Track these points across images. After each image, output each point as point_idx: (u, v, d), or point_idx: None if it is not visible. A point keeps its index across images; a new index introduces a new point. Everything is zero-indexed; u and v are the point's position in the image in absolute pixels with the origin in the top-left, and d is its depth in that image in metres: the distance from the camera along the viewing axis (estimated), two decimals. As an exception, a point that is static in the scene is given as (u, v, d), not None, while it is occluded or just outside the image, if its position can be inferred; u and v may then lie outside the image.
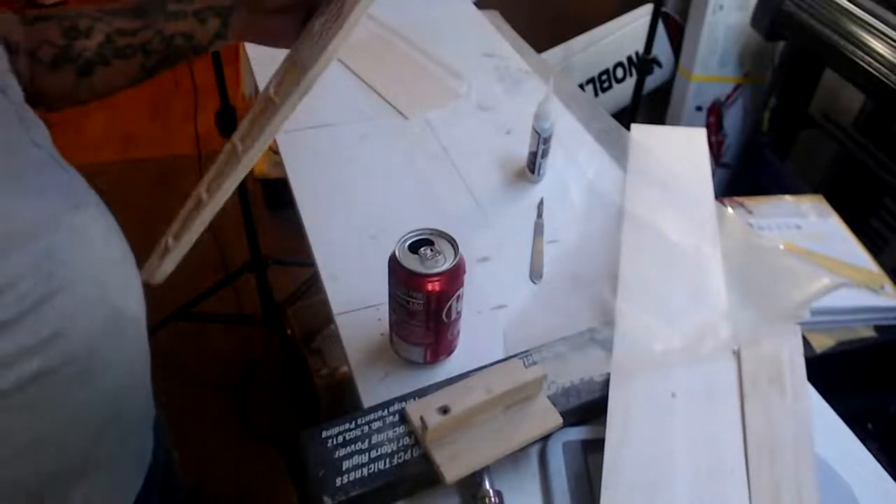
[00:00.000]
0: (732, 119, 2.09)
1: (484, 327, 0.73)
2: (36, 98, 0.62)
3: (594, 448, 0.60)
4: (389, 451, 0.57)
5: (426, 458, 0.57)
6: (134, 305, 0.63)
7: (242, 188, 1.70)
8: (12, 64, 0.60)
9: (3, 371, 0.49)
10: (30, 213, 0.53)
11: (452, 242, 0.64)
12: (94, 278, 0.57)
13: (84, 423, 0.57)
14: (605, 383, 0.63)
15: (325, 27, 0.64)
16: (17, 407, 0.51)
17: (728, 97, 2.06)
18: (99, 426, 0.58)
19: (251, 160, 0.60)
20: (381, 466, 0.56)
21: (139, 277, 0.65)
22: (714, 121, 2.09)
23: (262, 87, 1.09)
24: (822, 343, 0.94)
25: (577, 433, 0.62)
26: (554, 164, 0.94)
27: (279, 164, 0.99)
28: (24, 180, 0.54)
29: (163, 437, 0.77)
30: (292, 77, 0.62)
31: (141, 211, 2.33)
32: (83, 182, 0.62)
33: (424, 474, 0.56)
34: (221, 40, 0.73)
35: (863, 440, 0.65)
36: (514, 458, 0.60)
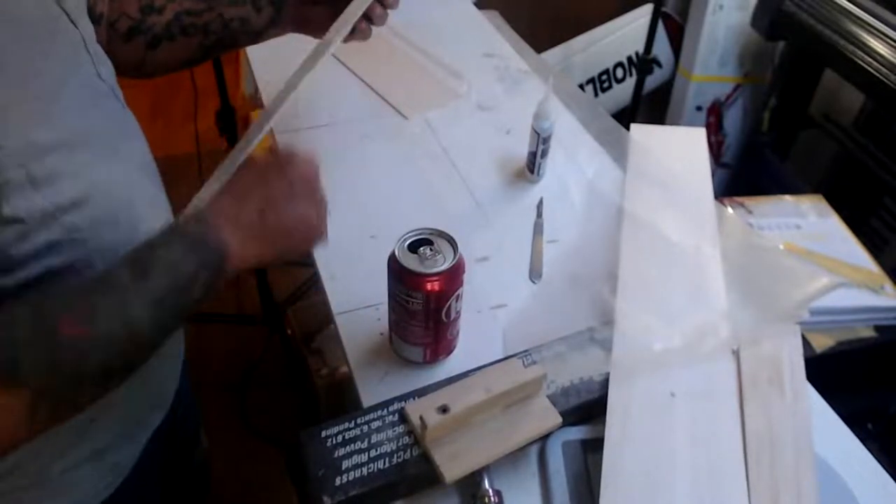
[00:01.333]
0: (732, 119, 2.09)
1: (483, 327, 0.73)
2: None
3: (594, 448, 0.60)
4: (389, 450, 0.57)
5: (426, 458, 0.57)
6: (160, 222, 0.63)
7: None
8: (95, 34, 0.63)
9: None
10: (82, 126, 0.54)
11: (452, 242, 0.64)
12: (124, 196, 0.58)
13: None
14: (605, 383, 0.63)
15: None
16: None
17: (728, 97, 2.06)
18: None
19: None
20: (381, 466, 0.56)
21: (167, 205, 0.67)
22: (714, 121, 2.09)
23: (262, 87, 1.09)
24: (822, 343, 0.94)
25: (576, 433, 0.62)
26: (554, 164, 0.94)
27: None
28: (80, 100, 0.55)
29: (189, 408, 0.82)
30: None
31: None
32: (135, 120, 0.65)
33: (424, 474, 0.56)
34: (274, 28, 0.80)
35: (863, 440, 0.65)
36: (514, 457, 0.60)
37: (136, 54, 0.75)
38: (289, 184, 0.58)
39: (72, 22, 0.57)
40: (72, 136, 0.53)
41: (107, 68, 0.62)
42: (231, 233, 0.53)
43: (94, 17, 0.68)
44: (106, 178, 0.56)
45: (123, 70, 0.69)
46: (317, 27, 0.78)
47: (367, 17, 0.76)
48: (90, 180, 0.53)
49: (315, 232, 0.60)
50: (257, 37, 0.81)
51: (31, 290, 0.50)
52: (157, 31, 0.75)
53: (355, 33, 0.77)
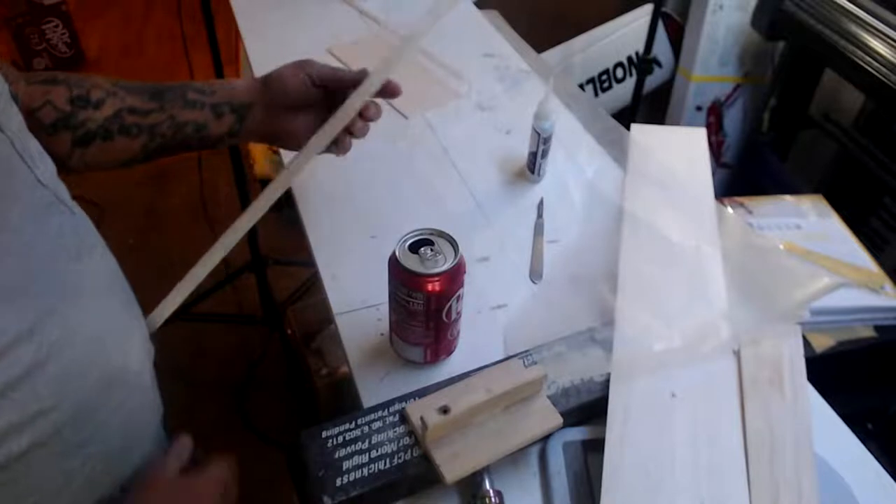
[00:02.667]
0: (732, 119, 2.09)
1: (484, 327, 0.73)
2: None
3: (594, 448, 0.60)
4: (389, 451, 0.57)
5: (426, 458, 0.57)
6: (136, 357, 0.58)
7: (242, 188, 1.70)
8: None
9: None
10: (24, 271, 0.47)
11: (452, 242, 0.64)
12: (91, 337, 0.53)
13: (75, 490, 0.52)
14: (605, 383, 0.63)
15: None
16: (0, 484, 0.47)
17: (728, 97, 2.06)
18: (92, 487, 0.54)
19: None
20: (382, 466, 0.56)
21: (142, 321, 0.62)
22: (714, 121, 2.09)
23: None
24: (822, 343, 0.94)
25: (577, 433, 0.62)
26: (554, 164, 0.94)
27: (279, 164, 0.99)
28: (21, 234, 0.48)
29: None
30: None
31: (141, 212, 2.34)
32: (88, 222, 0.57)
33: (424, 474, 0.56)
34: (233, 138, 0.72)
35: (863, 440, 0.65)
36: (514, 458, 0.60)
37: (61, 150, 0.63)
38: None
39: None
40: (14, 284, 0.46)
41: (45, 165, 0.53)
42: None
43: (11, 95, 0.58)
44: (63, 323, 0.49)
45: None
46: (290, 137, 0.72)
47: (349, 131, 0.72)
48: (45, 336, 0.47)
49: None
50: (213, 145, 0.72)
51: None
52: (91, 127, 0.64)
53: (336, 146, 0.72)
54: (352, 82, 0.69)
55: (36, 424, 0.47)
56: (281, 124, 0.72)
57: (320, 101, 0.72)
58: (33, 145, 0.52)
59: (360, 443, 0.58)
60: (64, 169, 0.61)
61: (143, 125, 0.67)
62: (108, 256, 0.59)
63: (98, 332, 0.53)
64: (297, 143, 0.72)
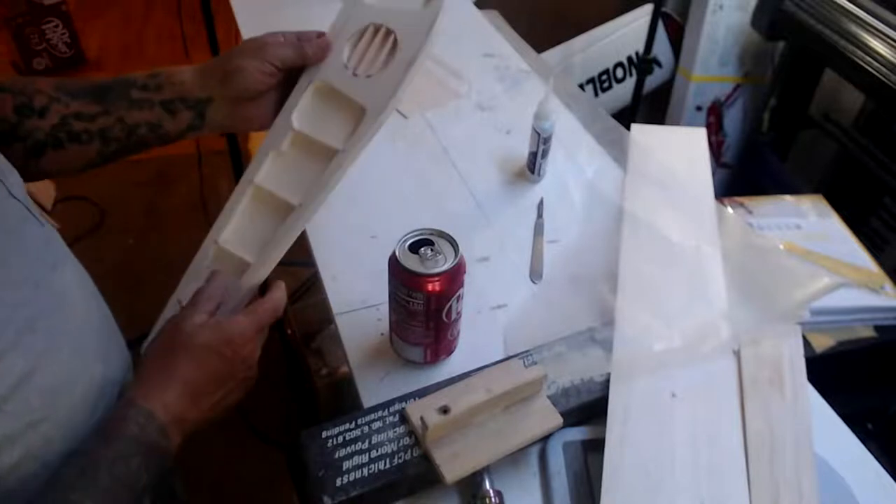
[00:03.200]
0: (732, 119, 2.09)
1: (484, 327, 0.73)
2: None
3: (594, 448, 0.60)
4: (390, 451, 0.57)
5: (426, 459, 0.57)
6: (115, 366, 0.59)
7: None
8: None
9: None
10: (4, 283, 0.48)
11: (452, 242, 0.64)
12: (74, 348, 0.53)
13: None
14: (605, 383, 0.63)
15: (369, 69, 0.67)
16: None
17: (728, 97, 2.06)
18: None
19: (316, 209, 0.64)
20: (382, 466, 0.56)
21: (118, 332, 0.62)
22: (714, 121, 2.09)
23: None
24: (822, 343, 0.94)
25: (577, 433, 0.62)
26: (554, 164, 0.94)
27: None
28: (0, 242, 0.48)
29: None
30: (364, 124, 0.65)
31: (141, 212, 2.34)
32: (56, 234, 0.57)
33: (424, 474, 0.56)
34: (195, 132, 0.68)
35: (863, 440, 0.65)
36: (514, 458, 0.60)
37: (16, 160, 0.59)
38: (242, 363, 0.57)
39: None
40: None
41: (14, 177, 0.53)
42: (180, 431, 0.52)
43: None
44: (48, 334, 0.50)
45: None
46: (252, 122, 0.69)
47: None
48: (32, 347, 0.48)
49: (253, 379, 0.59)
50: (174, 141, 0.69)
51: None
52: (39, 137, 0.61)
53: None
54: (314, 56, 0.67)
55: (27, 436, 0.48)
56: (245, 114, 0.68)
57: (282, 80, 0.69)
58: (1, 158, 0.52)
59: (360, 443, 0.58)
60: (26, 177, 0.59)
61: (93, 130, 0.63)
62: (78, 268, 0.59)
63: (80, 343, 0.54)
64: (259, 125, 0.70)
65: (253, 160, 0.68)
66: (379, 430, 0.59)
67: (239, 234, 0.66)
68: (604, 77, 2.12)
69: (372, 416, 0.60)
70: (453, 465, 0.56)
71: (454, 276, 0.63)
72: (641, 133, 0.98)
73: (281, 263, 0.66)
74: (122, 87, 0.64)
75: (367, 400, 0.65)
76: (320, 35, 0.69)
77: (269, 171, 0.67)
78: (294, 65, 0.67)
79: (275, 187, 0.66)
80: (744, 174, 2.06)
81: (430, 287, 0.62)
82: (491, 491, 0.57)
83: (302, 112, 0.67)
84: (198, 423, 0.54)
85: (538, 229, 0.86)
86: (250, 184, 0.67)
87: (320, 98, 0.68)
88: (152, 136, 0.66)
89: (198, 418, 0.53)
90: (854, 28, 1.48)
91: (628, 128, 0.99)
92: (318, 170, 0.65)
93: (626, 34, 2.09)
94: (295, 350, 1.65)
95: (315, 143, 0.66)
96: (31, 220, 0.53)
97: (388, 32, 0.68)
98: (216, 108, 0.66)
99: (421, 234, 0.64)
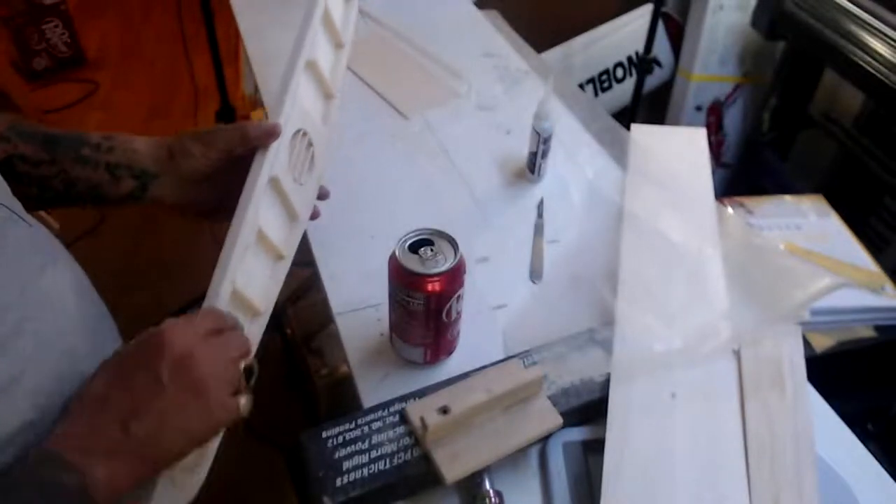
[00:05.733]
0: (732, 119, 2.09)
1: (484, 327, 0.73)
2: None
3: (594, 448, 0.60)
4: (389, 451, 0.57)
5: (426, 459, 0.57)
6: None
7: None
8: None
9: None
10: None
11: (452, 242, 0.64)
12: (64, 350, 0.52)
13: None
14: (605, 383, 0.63)
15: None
16: None
17: (728, 97, 2.06)
18: None
19: None
20: (382, 467, 0.56)
21: (115, 331, 0.61)
22: (714, 121, 2.09)
23: (261, 86, 1.08)
24: (822, 343, 0.94)
25: (577, 433, 0.62)
26: (554, 164, 0.94)
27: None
28: None
29: None
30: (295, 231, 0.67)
31: (141, 212, 2.33)
32: (47, 233, 0.56)
33: (424, 475, 0.56)
34: (135, 202, 0.66)
35: (863, 440, 0.65)
36: (514, 458, 0.60)
37: None
38: (154, 374, 0.47)
39: None
40: None
41: (2, 186, 0.54)
42: (90, 464, 0.43)
43: None
44: (36, 337, 0.49)
45: None
46: (195, 206, 0.67)
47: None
48: (20, 350, 0.47)
49: (223, 411, 0.49)
50: (114, 206, 0.67)
51: None
52: None
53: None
54: (261, 136, 0.63)
55: (16, 441, 0.47)
56: (191, 195, 0.67)
57: (229, 165, 0.66)
58: None
59: (360, 443, 0.58)
60: None
61: (34, 176, 0.62)
62: (73, 267, 0.58)
63: (70, 345, 0.53)
64: (205, 207, 0.68)
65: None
66: (379, 431, 0.59)
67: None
68: (604, 77, 2.12)
69: (372, 417, 0.60)
70: (453, 465, 0.56)
71: (454, 277, 0.63)
72: (641, 133, 0.98)
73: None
74: (74, 142, 0.64)
75: (367, 400, 0.65)
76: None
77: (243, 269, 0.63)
78: (239, 148, 0.65)
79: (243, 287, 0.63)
80: (744, 174, 2.06)
81: (429, 287, 0.62)
82: (491, 491, 0.57)
83: (258, 208, 0.62)
84: (111, 451, 0.45)
85: (538, 229, 0.86)
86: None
87: (273, 193, 0.64)
88: (90, 195, 0.65)
89: (105, 444, 0.45)
90: (854, 28, 1.48)
91: (628, 128, 0.99)
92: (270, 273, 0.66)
93: (626, 34, 2.09)
94: (295, 350, 1.65)
95: (268, 243, 0.65)
96: (16, 221, 0.53)
97: (310, 144, 0.67)
98: (161, 184, 0.66)
99: (421, 234, 0.64)
